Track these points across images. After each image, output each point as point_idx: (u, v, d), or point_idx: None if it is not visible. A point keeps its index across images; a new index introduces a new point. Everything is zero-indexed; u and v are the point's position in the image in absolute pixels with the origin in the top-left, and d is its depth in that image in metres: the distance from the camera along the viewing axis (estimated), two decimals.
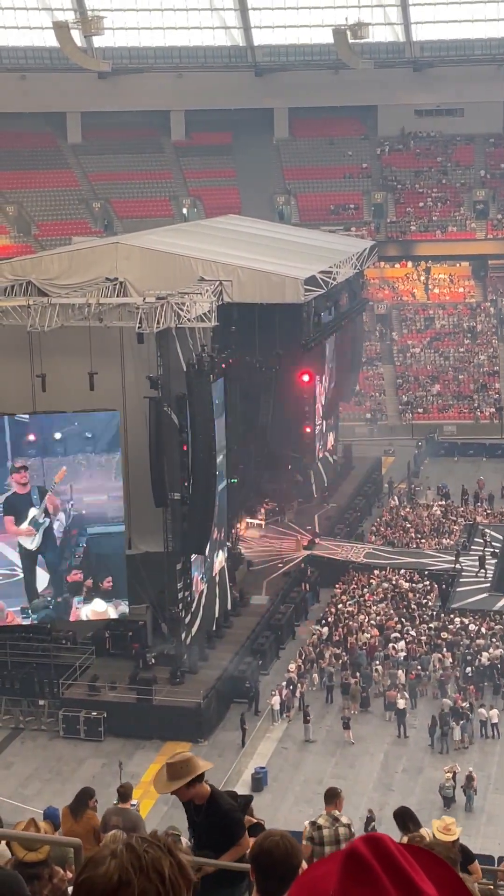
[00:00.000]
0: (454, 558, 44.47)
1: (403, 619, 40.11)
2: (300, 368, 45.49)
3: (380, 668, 37.31)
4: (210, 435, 35.53)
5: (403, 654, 37.86)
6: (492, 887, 9.95)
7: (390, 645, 38.37)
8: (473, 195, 74.32)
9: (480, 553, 45.01)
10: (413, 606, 41.32)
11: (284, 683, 36.41)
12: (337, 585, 43.27)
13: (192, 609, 37.44)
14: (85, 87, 73.05)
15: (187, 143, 77.12)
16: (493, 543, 46.34)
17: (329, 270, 44.30)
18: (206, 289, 36.97)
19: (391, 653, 37.97)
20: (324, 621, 40.50)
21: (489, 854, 24.26)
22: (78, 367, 34.53)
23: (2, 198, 71.54)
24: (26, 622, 35.83)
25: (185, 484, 35.70)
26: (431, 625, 39.88)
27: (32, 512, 34.96)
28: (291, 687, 36.36)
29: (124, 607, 36.16)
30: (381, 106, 76.91)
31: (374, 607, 41.18)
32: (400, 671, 36.70)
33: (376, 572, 43.87)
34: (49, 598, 35.74)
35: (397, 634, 38.89)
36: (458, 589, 42.70)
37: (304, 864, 4.23)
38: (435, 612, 41.05)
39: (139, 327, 33.72)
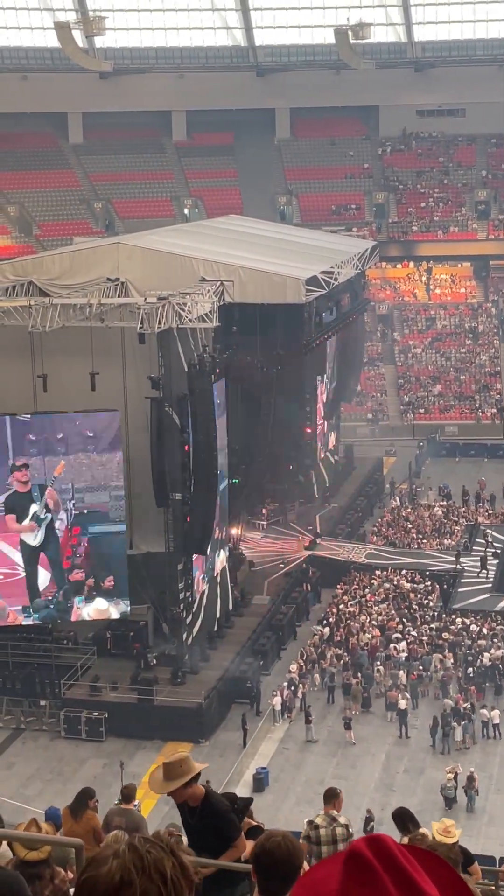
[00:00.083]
0: (454, 559, 44.45)
1: (405, 620, 40.09)
2: (302, 369, 45.47)
3: (381, 668, 37.30)
4: (211, 435, 35.54)
5: (405, 654, 37.85)
6: (493, 888, 9.95)
7: (392, 645, 38.35)
8: (475, 195, 74.31)
9: (482, 554, 44.99)
10: (414, 607, 41.30)
11: (286, 684, 36.41)
12: (338, 586, 43.25)
13: (194, 609, 37.43)
14: (86, 88, 73.11)
15: (189, 144, 77.14)
16: (495, 544, 46.32)
17: (330, 271, 44.29)
18: (207, 289, 36.97)
19: (393, 653, 37.96)
20: (325, 622, 40.48)
21: (490, 855, 24.26)
22: (79, 368, 34.53)
23: (3, 198, 71.57)
24: (28, 622, 35.84)
25: (187, 484, 35.71)
26: (433, 625, 39.86)
27: (33, 508, 34.99)
28: (293, 687, 36.35)
29: (125, 606, 36.17)
30: (382, 106, 76.91)
31: (376, 608, 41.17)
32: (401, 672, 36.68)
33: (378, 573, 43.86)
34: (50, 598, 35.76)
35: (399, 635, 38.88)
36: (460, 589, 42.69)
37: (306, 865, 4.23)
38: (436, 613, 41.03)
39: (140, 327, 33.71)
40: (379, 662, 37.69)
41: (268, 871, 3.94)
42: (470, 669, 37.05)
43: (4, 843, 7.32)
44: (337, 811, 10.38)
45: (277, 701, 35.57)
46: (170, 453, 35.19)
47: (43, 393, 34.70)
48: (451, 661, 37.54)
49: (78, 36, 69.35)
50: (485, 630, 39.33)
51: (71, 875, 7.73)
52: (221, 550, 40.03)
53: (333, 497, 52.27)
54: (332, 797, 10.67)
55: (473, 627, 39.40)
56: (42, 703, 35.58)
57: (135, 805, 13.06)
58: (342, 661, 37.80)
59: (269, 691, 36.40)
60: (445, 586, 42.81)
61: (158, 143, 77.36)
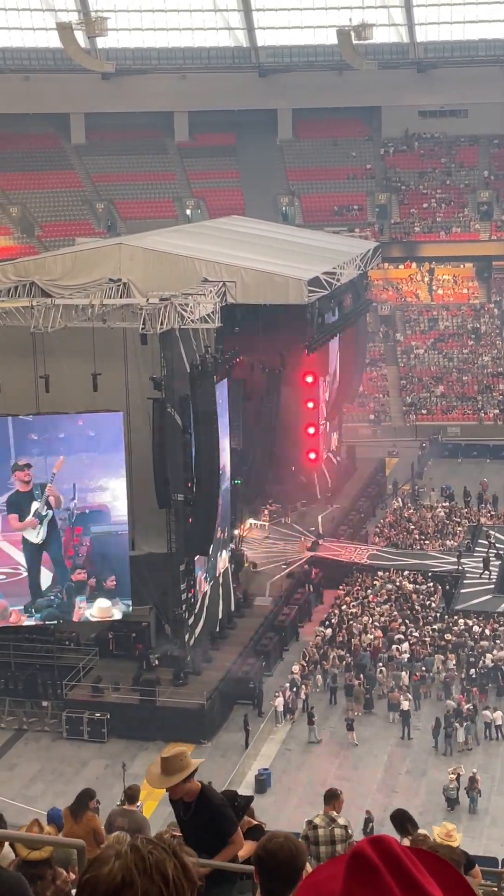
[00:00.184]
0: (456, 560, 44.44)
1: (407, 621, 40.08)
2: (304, 369, 45.50)
3: (384, 669, 37.30)
4: (213, 436, 35.54)
5: (407, 655, 37.85)
6: (496, 889, 9.93)
7: (394, 646, 38.34)
8: (477, 196, 74.32)
9: (484, 555, 44.97)
10: (417, 608, 41.29)
11: (288, 685, 36.40)
12: (340, 587, 43.26)
13: (196, 610, 37.44)
14: (88, 88, 73.18)
15: (191, 144, 77.17)
16: (497, 545, 46.31)
17: (333, 271, 44.29)
18: (209, 290, 36.97)
19: (395, 654, 37.95)
20: (327, 623, 40.47)
21: (493, 856, 24.27)
22: (81, 368, 34.51)
23: (5, 199, 71.62)
24: (30, 621, 35.83)
25: (189, 485, 35.71)
26: (435, 626, 39.84)
27: (35, 506, 35.00)
28: (295, 688, 36.34)
29: (125, 606, 36.14)
30: (384, 107, 76.93)
31: (378, 609, 41.16)
32: (404, 673, 36.68)
33: (380, 574, 43.85)
34: (52, 598, 35.75)
35: (401, 636, 38.87)
36: (462, 590, 42.68)
37: (309, 867, 4.22)
38: (439, 614, 41.01)
39: (143, 328, 33.72)
40: (381, 663, 37.68)
41: (270, 873, 3.93)
42: (472, 671, 37.04)
43: (7, 844, 7.31)
44: (337, 812, 10.37)
45: (280, 702, 35.57)
46: (172, 454, 35.20)
47: (45, 394, 34.67)
48: (454, 662, 37.53)
49: (80, 37, 69.43)
50: (487, 631, 39.32)
51: (73, 876, 7.71)
52: (223, 551, 40.03)
53: (335, 498, 52.26)
54: (332, 798, 10.67)
55: (476, 629, 39.39)
56: (44, 703, 35.60)
57: (137, 806, 13.05)
58: (344, 663, 37.79)
59: (272, 692, 36.39)
60: (448, 587, 42.81)
61: (160, 143, 77.42)
